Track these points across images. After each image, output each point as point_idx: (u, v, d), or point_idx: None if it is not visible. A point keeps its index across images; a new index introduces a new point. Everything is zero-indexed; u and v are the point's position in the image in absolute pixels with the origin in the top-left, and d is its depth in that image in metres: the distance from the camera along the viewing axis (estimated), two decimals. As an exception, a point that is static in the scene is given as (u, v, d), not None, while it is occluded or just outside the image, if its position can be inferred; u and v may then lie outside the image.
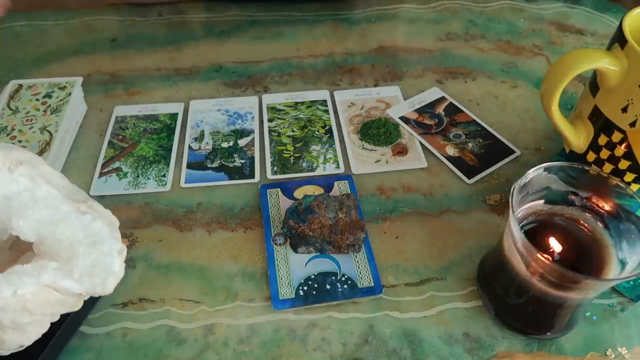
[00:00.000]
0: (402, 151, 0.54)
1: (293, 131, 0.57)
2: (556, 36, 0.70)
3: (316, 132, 0.57)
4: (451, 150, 0.55)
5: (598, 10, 0.74)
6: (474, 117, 0.58)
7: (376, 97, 0.61)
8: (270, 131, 0.57)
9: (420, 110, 0.59)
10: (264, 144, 0.56)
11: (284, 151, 0.55)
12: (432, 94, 0.61)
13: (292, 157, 0.54)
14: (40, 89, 0.57)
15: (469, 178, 0.52)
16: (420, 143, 0.55)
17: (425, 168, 0.53)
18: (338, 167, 0.53)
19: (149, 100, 0.61)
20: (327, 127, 0.57)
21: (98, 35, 0.70)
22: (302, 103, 0.60)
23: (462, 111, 0.59)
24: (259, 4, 0.74)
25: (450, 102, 0.60)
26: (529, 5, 0.75)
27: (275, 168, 0.53)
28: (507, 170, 0.53)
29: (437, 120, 0.58)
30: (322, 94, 0.61)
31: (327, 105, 0.60)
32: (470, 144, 0.55)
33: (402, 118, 0.58)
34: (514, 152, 0.54)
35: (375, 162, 0.54)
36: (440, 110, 0.59)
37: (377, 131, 0.56)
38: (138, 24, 0.72)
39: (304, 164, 0.54)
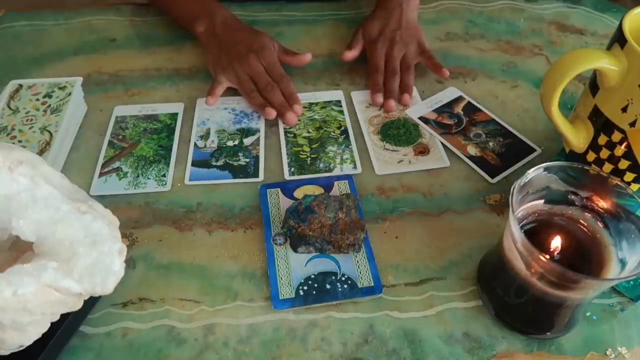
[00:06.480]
0: (424, 151, 0.54)
1: (309, 132, 0.57)
2: (556, 36, 0.70)
3: (332, 133, 0.57)
4: (472, 150, 0.54)
5: (598, 10, 0.74)
6: (493, 116, 0.58)
7: None
8: (285, 132, 0.57)
9: (439, 110, 0.59)
10: (280, 144, 0.55)
11: (301, 152, 0.55)
12: (450, 93, 0.61)
13: (309, 158, 0.54)
14: (40, 89, 0.57)
15: (492, 177, 0.52)
16: (441, 143, 0.55)
17: (448, 167, 0.53)
18: (355, 167, 0.53)
19: (149, 100, 0.61)
20: (343, 128, 0.57)
21: (98, 35, 0.70)
22: (316, 104, 0.60)
23: (481, 110, 0.59)
24: (259, 4, 0.74)
25: (469, 102, 0.60)
26: (529, 5, 0.75)
27: (292, 169, 0.53)
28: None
29: (456, 120, 0.58)
30: (336, 95, 0.61)
31: (341, 106, 0.60)
32: (491, 143, 0.55)
33: (421, 118, 0.58)
34: (534, 150, 0.54)
35: (398, 162, 0.54)
36: (458, 109, 0.59)
37: (397, 131, 0.56)
38: (138, 24, 0.72)
39: (321, 165, 0.53)
